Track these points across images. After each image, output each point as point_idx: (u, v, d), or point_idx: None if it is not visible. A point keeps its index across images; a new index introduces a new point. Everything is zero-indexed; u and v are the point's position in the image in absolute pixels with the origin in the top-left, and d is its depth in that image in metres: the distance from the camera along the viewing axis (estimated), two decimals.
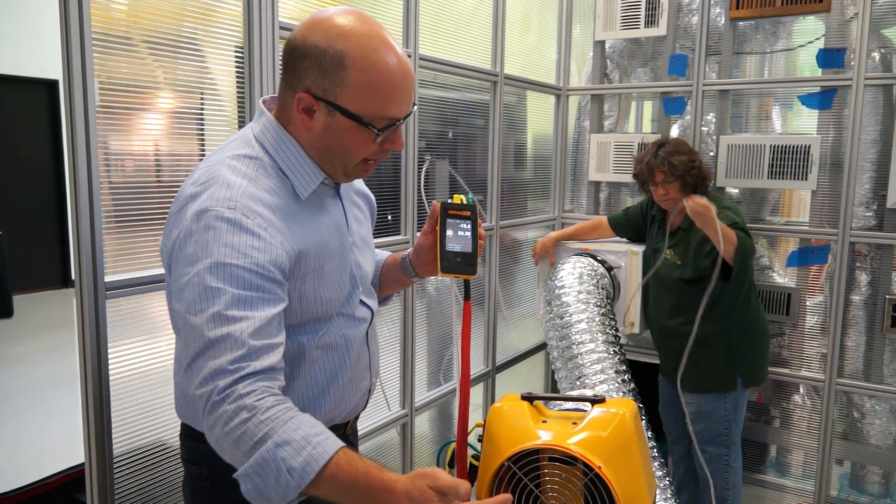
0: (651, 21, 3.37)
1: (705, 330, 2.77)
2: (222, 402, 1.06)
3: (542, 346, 3.78)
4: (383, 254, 1.70)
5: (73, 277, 1.64)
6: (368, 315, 1.47)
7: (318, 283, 1.29)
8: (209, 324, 1.09)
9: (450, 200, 1.48)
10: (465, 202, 1.48)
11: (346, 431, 1.52)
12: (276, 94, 1.33)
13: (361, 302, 1.44)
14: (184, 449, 1.39)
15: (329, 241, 1.32)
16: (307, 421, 1.09)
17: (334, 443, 1.08)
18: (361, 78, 1.18)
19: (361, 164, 1.31)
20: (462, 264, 1.46)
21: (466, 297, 1.63)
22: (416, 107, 1.30)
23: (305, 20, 1.24)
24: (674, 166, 2.71)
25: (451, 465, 1.88)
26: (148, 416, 1.79)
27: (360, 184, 1.55)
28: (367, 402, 1.56)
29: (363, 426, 2.44)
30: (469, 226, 1.47)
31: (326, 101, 1.21)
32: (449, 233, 1.46)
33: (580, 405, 1.77)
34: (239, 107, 1.96)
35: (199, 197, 1.17)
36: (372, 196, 1.59)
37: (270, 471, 1.04)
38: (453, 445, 1.84)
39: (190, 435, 1.35)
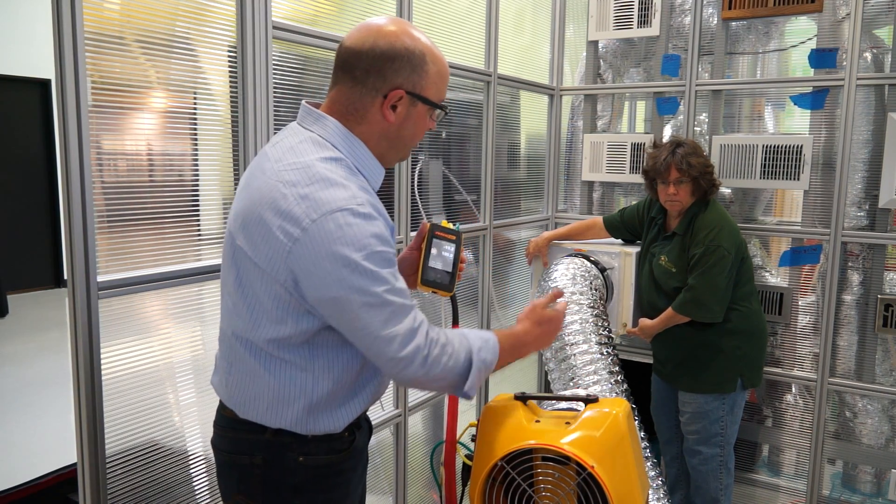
0: (644, 21, 3.37)
1: (707, 331, 2.78)
2: (431, 351, 1.34)
3: None
4: None
5: (65, 277, 1.64)
6: None
7: None
8: (389, 298, 1.29)
9: (439, 223, 1.61)
10: (453, 228, 1.61)
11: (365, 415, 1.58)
12: (312, 99, 1.45)
13: None
14: (231, 443, 1.46)
15: None
16: (466, 331, 1.48)
17: (489, 332, 1.50)
18: (435, 69, 1.41)
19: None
20: (440, 281, 1.59)
21: (455, 321, 1.70)
22: None
23: (372, 31, 1.36)
24: (691, 166, 2.72)
25: (443, 465, 1.88)
26: (140, 415, 1.78)
27: None
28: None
29: None
30: (453, 248, 1.60)
31: (415, 94, 1.39)
32: (433, 251, 1.59)
33: (573, 405, 1.77)
34: (232, 106, 1.96)
35: (313, 198, 1.27)
36: None
37: (482, 368, 1.43)
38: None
39: (246, 429, 1.42)
